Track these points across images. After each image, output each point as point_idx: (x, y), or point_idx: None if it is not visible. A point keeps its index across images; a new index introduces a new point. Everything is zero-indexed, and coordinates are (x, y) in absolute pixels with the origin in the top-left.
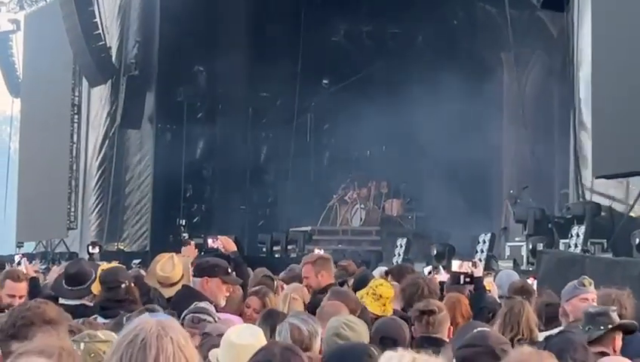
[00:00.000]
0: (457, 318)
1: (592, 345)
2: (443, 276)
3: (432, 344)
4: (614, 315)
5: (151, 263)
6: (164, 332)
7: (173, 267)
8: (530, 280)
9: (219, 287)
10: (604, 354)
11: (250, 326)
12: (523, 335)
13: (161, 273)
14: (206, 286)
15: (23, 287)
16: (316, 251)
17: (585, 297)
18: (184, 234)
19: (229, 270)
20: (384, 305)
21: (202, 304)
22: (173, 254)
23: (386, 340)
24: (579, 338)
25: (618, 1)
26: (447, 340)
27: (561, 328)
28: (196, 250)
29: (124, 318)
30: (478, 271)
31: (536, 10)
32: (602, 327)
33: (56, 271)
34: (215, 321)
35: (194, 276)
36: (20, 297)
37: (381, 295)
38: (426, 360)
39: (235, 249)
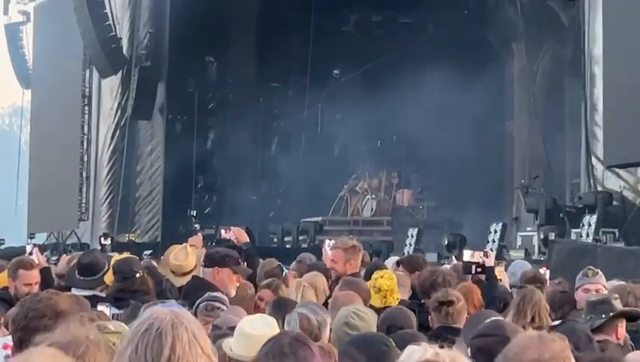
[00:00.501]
0: (469, 308)
1: (594, 334)
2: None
3: (450, 334)
4: (616, 303)
5: (164, 253)
6: (179, 321)
7: (186, 256)
8: (542, 270)
9: (229, 278)
10: (607, 341)
11: (264, 316)
12: (536, 322)
13: (175, 261)
14: (217, 276)
15: (36, 274)
16: (328, 241)
17: (587, 288)
18: (195, 225)
19: (240, 260)
20: (384, 297)
21: (215, 293)
22: (187, 244)
23: (393, 329)
24: (582, 327)
25: None
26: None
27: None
28: (203, 240)
29: (142, 309)
30: (490, 261)
31: (548, 0)
32: (604, 315)
33: (65, 259)
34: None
35: (204, 266)
36: (35, 283)
37: (380, 288)
38: (449, 354)
39: (248, 240)
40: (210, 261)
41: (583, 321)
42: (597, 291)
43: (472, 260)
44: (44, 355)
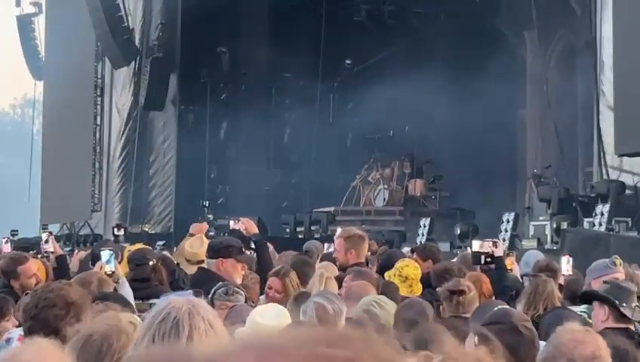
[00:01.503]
0: (479, 297)
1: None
2: None
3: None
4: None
5: (180, 242)
6: (195, 310)
7: (201, 244)
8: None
9: (234, 267)
10: (628, 330)
11: (276, 306)
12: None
13: (190, 249)
14: (221, 266)
15: (33, 263)
16: (339, 230)
17: (615, 277)
18: (208, 216)
19: (243, 249)
20: (411, 286)
21: (229, 284)
22: (202, 235)
23: (409, 321)
24: (569, 314)
25: None
26: None
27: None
28: (206, 226)
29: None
30: (499, 251)
31: None
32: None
33: (78, 256)
34: (244, 296)
35: (208, 257)
36: (38, 270)
37: (407, 276)
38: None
39: (257, 231)
40: (213, 252)
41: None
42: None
43: (481, 250)
44: (35, 349)
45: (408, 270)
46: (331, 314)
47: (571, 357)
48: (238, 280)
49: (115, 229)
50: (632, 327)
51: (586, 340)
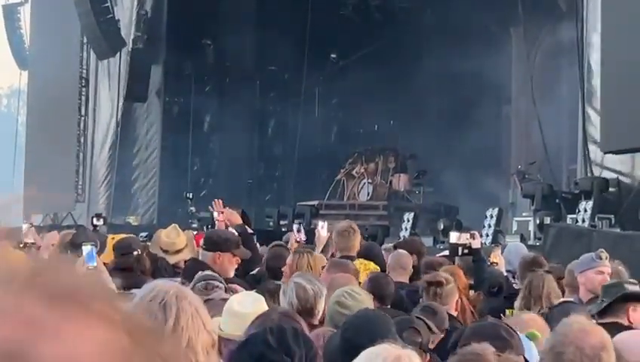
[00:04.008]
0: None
1: (604, 316)
2: None
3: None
4: (632, 287)
5: (155, 233)
6: (183, 294)
7: (178, 234)
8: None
9: (230, 261)
10: (616, 324)
11: (252, 293)
12: (544, 307)
13: (166, 239)
14: (218, 260)
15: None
16: (321, 223)
17: (601, 270)
18: (191, 208)
19: (239, 243)
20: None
21: (208, 272)
22: (175, 225)
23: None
24: (577, 307)
25: None
26: (455, 313)
27: (564, 299)
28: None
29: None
30: (477, 243)
31: None
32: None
33: (49, 240)
34: (224, 288)
35: (204, 249)
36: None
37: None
38: (408, 355)
39: (240, 222)
40: (211, 244)
41: (597, 305)
42: (609, 274)
43: (459, 242)
44: None
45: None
46: (311, 295)
47: (580, 346)
48: (231, 274)
49: (95, 219)
50: None
51: (594, 331)
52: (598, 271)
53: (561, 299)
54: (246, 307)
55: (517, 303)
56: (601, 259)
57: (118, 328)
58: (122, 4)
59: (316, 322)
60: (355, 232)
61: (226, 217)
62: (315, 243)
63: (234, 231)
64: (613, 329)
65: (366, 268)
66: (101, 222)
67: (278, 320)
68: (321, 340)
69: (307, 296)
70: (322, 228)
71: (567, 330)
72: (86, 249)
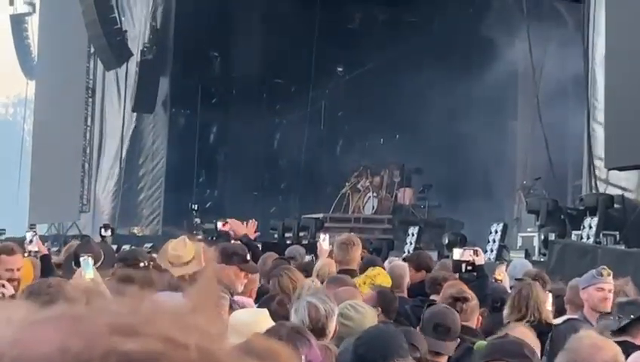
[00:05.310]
0: None
1: (618, 335)
2: None
3: (464, 333)
4: None
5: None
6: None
7: (185, 246)
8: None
9: (237, 275)
10: (627, 343)
11: (257, 309)
12: (533, 317)
13: (173, 251)
14: (224, 273)
15: (18, 260)
16: (323, 236)
17: (601, 287)
18: (196, 219)
19: (247, 257)
20: None
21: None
22: (185, 236)
23: (440, 328)
24: (583, 324)
25: None
26: (476, 328)
27: (568, 316)
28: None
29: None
30: (480, 260)
31: (553, 1)
32: (632, 316)
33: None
34: (230, 299)
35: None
36: (18, 269)
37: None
38: None
39: (245, 232)
40: (219, 257)
41: (613, 322)
42: (610, 291)
43: (462, 258)
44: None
45: (381, 279)
46: (323, 314)
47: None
48: (240, 288)
49: (103, 230)
50: None
51: (605, 346)
52: (599, 287)
53: (566, 316)
54: (248, 322)
55: (505, 312)
56: (602, 275)
57: None
58: (132, 15)
59: (327, 341)
60: (354, 245)
61: (230, 227)
62: (319, 255)
63: (240, 241)
64: (625, 347)
65: (376, 273)
66: (109, 232)
67: (287, 336)
68: (324, 352)
69: (319, 316)
70: (324, 241)
71: (579, 346)
72: (84, 261)
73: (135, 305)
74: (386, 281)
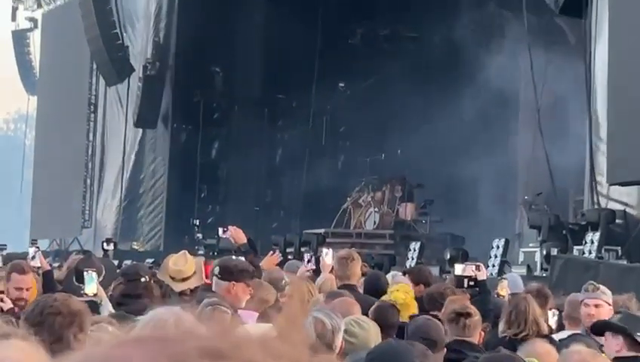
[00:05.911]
0: None
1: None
2: None
3: (467, 348)
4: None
5: (163, 260)
6: (181, 322)
7: (186, 261)
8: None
9: (244, 291)
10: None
11: (265, 324)
12: (530, 331)
13: (174, 266)
14: (232, 290)
15: (29, 279)
16: (326, 250)
17: (586, 302)
18: (198, 235)
19: (254, 273)
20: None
21: (215, 298)
22: (185, 251)
23: (426, 341)
24: (587, 340)
25: (635, 8)
26: (478, 343)
27: (573, 331)
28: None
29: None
30: (482, 275)
31: (555, 17)
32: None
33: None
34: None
35: (219, 278)
36: (27, 289)
37: (395, 301)
38: None
39: (246, 240)
40: (227, 274)
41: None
42: (596, 306)
43: (464, 274)
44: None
45: (397, 294)
46: (329, 330)
47: None
48: (244, 305)
49: (105, 244)
50: None
51: (595, 361)
52: (585, 303)
53: (570, 332)
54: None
55: (501, 326)
56: (587, 291)
57: None
58: (134, 31)
59: (334, 357)
60: (354, 260)
61: (231, 235)
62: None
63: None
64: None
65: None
66: (111, 246)
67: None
68: None
69: (325, 331)
70: (327, 255)
71: (568, 360)
72: (87, 276)
73: (223, 331)
74: (402, 297)
